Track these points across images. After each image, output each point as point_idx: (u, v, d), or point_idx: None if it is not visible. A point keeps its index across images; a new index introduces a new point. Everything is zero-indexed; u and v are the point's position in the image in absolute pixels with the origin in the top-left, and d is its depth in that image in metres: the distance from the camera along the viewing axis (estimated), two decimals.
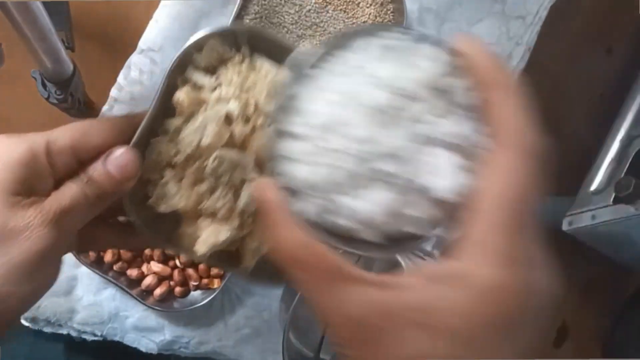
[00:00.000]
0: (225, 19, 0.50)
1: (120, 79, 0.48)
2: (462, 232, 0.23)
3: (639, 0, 0.61)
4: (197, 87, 0.33)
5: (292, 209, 0.26)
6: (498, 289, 0.21)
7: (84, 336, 0.49)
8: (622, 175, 0.51)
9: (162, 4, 0.49)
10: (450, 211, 0.25)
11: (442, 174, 0.24)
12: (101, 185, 0.29)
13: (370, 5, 0.51)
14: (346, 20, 0.51)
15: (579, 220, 0.52)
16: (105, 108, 0.48)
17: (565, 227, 0.54)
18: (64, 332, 0.49)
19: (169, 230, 0.34)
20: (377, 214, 0.25)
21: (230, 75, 0.33)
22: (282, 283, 0.37)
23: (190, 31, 0.50)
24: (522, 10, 0.56)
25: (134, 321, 0.49)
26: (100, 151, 0.29)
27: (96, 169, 0.29)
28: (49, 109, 0.43)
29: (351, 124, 0.24)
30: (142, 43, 0.49)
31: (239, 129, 0.32)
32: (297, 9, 0.50)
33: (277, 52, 0.33)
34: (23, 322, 0.48)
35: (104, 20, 0.49)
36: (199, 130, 0.32)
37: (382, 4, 0.51)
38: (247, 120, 0.32)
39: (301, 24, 0.50)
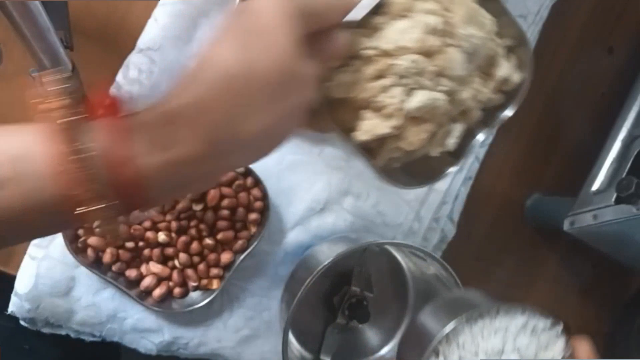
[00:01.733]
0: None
1: (119, 78, 0.48)
2: None
3: (639, 0, 0.61)
4: None
5: None
6: None
7: (83, 337, 0.49)
8: (624, 175, 0.51)
9: (160, 2, 0.49)
10: None
11: None
12: (325, 60, 0.31)
13: None
14: None
15: (581, 220, 0.52)
16: None
17: (566, 227, 0.53)
18: (63, 332, 0.49)
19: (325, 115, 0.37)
20: None
21: None
22: (415, 185, 0.41)
23: (189, 30, 0.49)
24: (524, 10, 0.56)
25: (133, 322, 0.49)
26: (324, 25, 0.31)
27: (326, 44, 0.31)
28: None
29: None
30: (141, 42, 0.49)
31: (432, 41, 0.35)
32: None
33: None
34: (22, 323, 0.48)
35: (102, 19, 0.49)
36: (405, 32, 0.34)
37: None
38: (441, 35, 0.35)
39: None
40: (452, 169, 0.41)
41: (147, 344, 0.50)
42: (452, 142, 0.39)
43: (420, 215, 0.55)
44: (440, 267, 0.47)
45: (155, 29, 0.49)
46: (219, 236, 0.48)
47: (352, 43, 0.36)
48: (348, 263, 0.51)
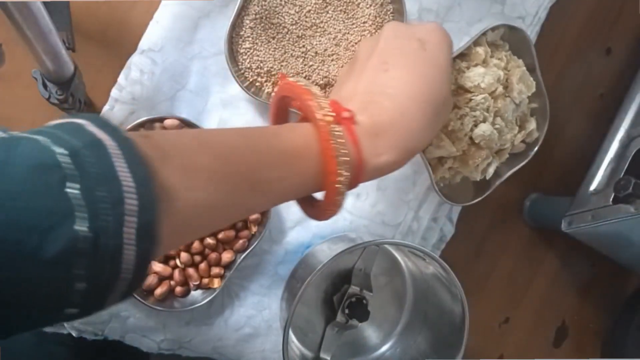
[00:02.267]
0: (225, 20, 0.50)
1: (121, 79, 0.49)
2: None
3: (639, 0, 0.61)
4: (486, 50, 0.48)
5: None
6: None
7: (85, 335, 0.50)
8: (622, 175, 0.51)
9: (162, 4, 0.49)
10: None
11: None
12: None
13: (370, 5, 0.51)
14: (346, 21, 0.51)
15: (578, 220, 0.52)
16: (106, 108, 0.49)
17: (564, 227, 0.54)
18: (65, 331, 0.49)
19: None
20: None
21: (501, 55, 0.49)
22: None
23: (190, 32, 0.50)
24: (522, 11, 0.56)
25: (135, 321, 0.50)
26: None
27: None
28: (49, 109, 0.43)
29: None
30: (143, 44, 0.49)
31: (498, 88, 0.47)
32: (297, 10, 0.50)
33: (517, 51, 0.50)
34: None
35: (104, 20, 0.49)
36: (481, 76, 0.46)
37: (382, 5, 0.51)
38: (503, 87, 0.47)
39: (301, 24, 0.51)
40: (485, 194, 0.52)
41: (149, 343, 0.50)
42: (491, 171, 0.50)
43: (419, 215, 0.55)
44: (439, 266, 0.48)
45: (156, 31, 0.49)
46: (220, 235, 0.48)
47: None
48: (348, 262, 0.51)
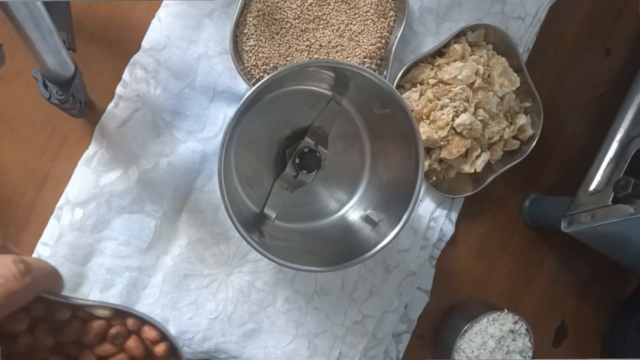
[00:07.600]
0: (227, 18, 0.50)
1: (126, 76, 0.49)
2: None
3: (638, 0, 0.61)
4: (464, 47, 0.52)
5: None
6: None
7: None
8: (621, 175, 0.51)
9: (164, 3, 0.49)
10: None
11: None
12: None
13: None
14: (348, 11, 0.51)
15: (578, 220, 0.52)
16: (110, 105, 0.49)
17: (564, 227, 0.54)
18: None
19: None
20: None
21: (482, 53, 0.52)
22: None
23: (193, 30, 0.50)
24: (522, 11, 0.56)
25: None
26: None
27: None
28: (50, 109, 0.43)
29: None
30: (146, 42, 0.49)
31: (477, 80, 0.50)
32: (299, 4, 0.50)
33: (503, 51, 0.53)
34: None
35: (105, 20, 0.49)
36: (458, 69, 0.50)
37: None
38: (483, 78, 0.51)
39: (304, 18, 0.51)
40: (480, 187, 0.55)
41: None
42: (480, 164, 0.52)
43: (419, 214, 0.55)
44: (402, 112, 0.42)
45: (159, 29, 0.49)
46: None
47: (421, 73, 0.52)
48: (306, 119, 0.48)
